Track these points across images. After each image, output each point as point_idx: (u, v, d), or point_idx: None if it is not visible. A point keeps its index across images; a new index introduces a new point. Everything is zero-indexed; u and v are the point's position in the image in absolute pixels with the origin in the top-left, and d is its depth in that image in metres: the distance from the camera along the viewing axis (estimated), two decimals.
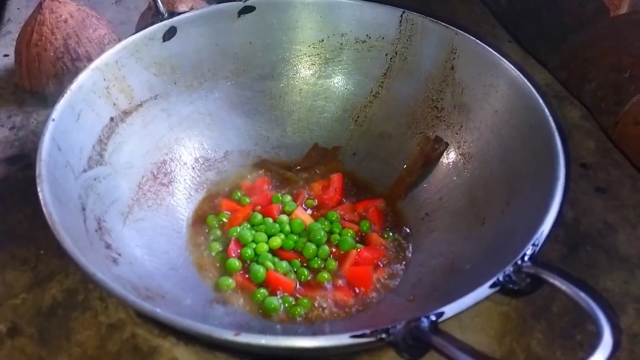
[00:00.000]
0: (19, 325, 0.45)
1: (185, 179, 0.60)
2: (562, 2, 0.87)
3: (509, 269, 0.38)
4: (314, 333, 0.48)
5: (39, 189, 0.42)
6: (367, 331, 0.35)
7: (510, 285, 0.38)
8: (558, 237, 0.54)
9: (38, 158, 0.44)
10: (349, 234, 0.55)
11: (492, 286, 0.38)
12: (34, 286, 0.48)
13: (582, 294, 0.35)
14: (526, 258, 0.39)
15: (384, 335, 0.35)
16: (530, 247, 0.39)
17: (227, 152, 0.63)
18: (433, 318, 0.35)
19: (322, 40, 0.65)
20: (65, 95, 0.50)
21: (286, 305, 0.50)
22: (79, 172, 0.49)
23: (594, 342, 0.33)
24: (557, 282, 0.36)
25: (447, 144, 0.59)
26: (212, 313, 0.48)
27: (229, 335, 0.35)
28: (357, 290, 0.51)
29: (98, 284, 0.37)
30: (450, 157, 0.58)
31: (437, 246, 0.53)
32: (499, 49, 0.57)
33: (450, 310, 0.36)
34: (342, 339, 0.35)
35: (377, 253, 0.54)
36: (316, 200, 0.60)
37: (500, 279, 0.38)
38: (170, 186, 0.58)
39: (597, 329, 0.33)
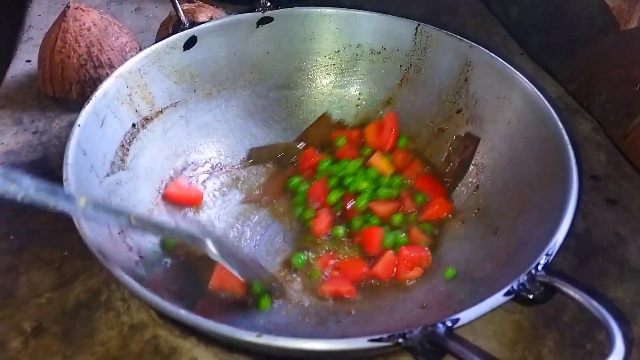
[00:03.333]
0: (44, 324, 0.46)
1: (202, 185, 0.61)
2: (572, 15, 0.88)
3: (523, 277, 0.39)
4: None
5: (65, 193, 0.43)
6: (385, 335, 0.36)
7: (524, 294, 0.39)
8: (569, 248, 0.55)
9: (65, 162, 0.46)
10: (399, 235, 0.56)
11: (506, 294, 0.39)
12: (59, 286, 0.49)
13: (595, 303, 0.36)
14: (540, 267, 0.40)
15: (401, 340, 0.36)
16: (544, 256, 0.40)
17: (243, 159, 0.64)
18: (449, 324, 0.36)
19: (338, 51, 0.67)
20: (90, 101, 0.51)
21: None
22: (102, 176, 0.50)
23: (604, 352, 0.34)
24: (571, 291, 0.37)
25: (478, 139, 0.59)
26: (230, 316, 0.50)
27: (250, 337, 0.37)
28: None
29: (124, 286, 0.39)
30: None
31: (449, 255, 0.54)
32: (512, 61, 0.58)
33: (466, 316, 0.37)
34: (361, 343, 0.36)
35: (420, 254, 0.54)
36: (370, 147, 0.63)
37: (515, 287, 0.39)
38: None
39: (609, 336, 0.34)
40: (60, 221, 0.54)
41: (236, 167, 0.63)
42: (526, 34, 0.91)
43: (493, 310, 0.39)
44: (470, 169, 0.59)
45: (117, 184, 0.52)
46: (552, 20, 0.91)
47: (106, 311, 0.47)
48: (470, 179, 0.59)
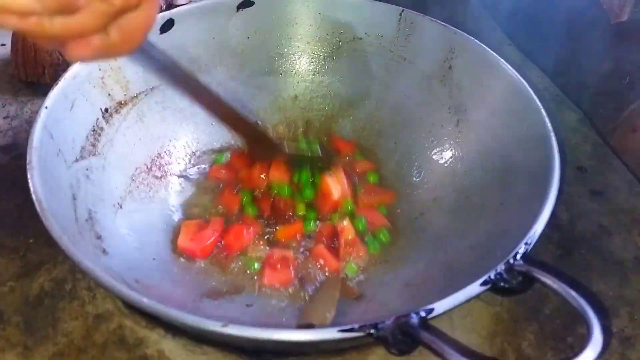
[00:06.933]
0: (6, 314, 0.44)
1: (179, 173, 0.59)
2: (563, 7, 0.87)
3: (501, 266, 0.38)
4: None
5: (28, 176, 0.42)
6: (356, 326, 0.35)
7: (502, 283, 0.37)
8: (552, 239, 0.54)
9: (29, 145, 0.44)
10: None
11: (483, 284, 0.37)
12: (22, 275, 0.47)
13: (574, 293, 0.35)
14: (518, 256, 0.38)
15: (372, 331, 0.35)
16: (523, 245, 0.39)
17: (222, 146, 0.62)
18: (423, 314, 0.35)
19: (321, 37, 0.65)
20: (59, 83, 0.50)
21: None
22: (71, 161, 0.49)
23: (584, 344, 0.33)
24: (549, 281, 0.36)
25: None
26: (202, 307, 0.48)
27: (216, 326, 0.35)
28: None
29: (86, 273, 0.37)
30: (445, 156, 0.58)
31: (430, 244, 0.53)
32: (498, 51, 0.57)
33: (440, 306, 0.36)
34: (331, 333, 0.35)
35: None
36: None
37: (492, 276, 0.37)
38: (164, 179, 0.58)
39: (587, 327, 0.33)
40: (27, 208, 0.52)
41: (214, 154, 0.62)
42: (515, 26, 0.90)
43: (470, 301, 0.37)
44: (453, 158, 0.57)
45: (87, 169, 0.50)
46: (543, 13, 0.89)
47: (70, 301, 0.45)
48: (452, 167, 0.57)
